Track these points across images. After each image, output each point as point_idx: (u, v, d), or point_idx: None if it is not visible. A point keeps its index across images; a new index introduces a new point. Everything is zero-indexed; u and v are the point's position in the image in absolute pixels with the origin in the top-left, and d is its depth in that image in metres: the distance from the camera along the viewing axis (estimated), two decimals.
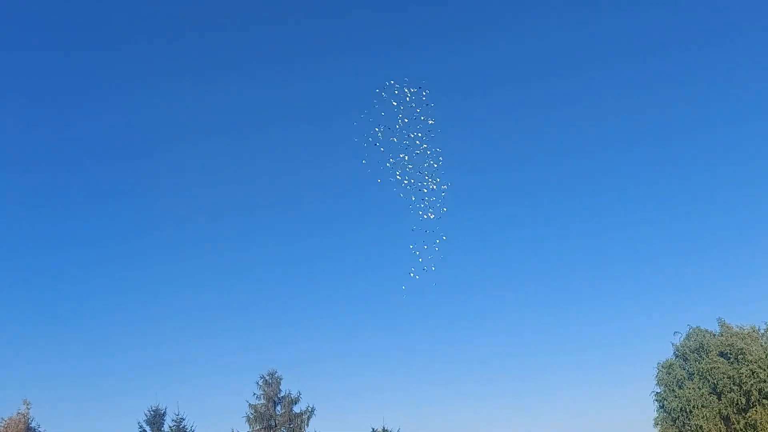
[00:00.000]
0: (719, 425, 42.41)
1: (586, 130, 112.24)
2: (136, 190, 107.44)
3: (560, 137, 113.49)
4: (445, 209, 17.04)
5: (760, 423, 40.58)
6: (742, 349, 43.05)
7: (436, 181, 16.80)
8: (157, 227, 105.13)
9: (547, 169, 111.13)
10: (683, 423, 43.72)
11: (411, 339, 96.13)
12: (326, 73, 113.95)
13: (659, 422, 45.85)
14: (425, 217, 16.97)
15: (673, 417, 44.40)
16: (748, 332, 45.07)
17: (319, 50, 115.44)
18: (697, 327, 46.84)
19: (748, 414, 41.58)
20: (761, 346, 43.63)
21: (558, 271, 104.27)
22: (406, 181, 16.80)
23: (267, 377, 45.80)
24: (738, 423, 42.00)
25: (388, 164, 16.71)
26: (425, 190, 16.93)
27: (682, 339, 47.19)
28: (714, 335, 45.82)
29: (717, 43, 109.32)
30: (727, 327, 45.94)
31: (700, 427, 42.36)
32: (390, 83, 16.67)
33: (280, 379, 45.91)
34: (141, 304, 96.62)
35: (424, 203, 16.93)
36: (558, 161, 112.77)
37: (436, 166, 16.78)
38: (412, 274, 17.67)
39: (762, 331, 45.40)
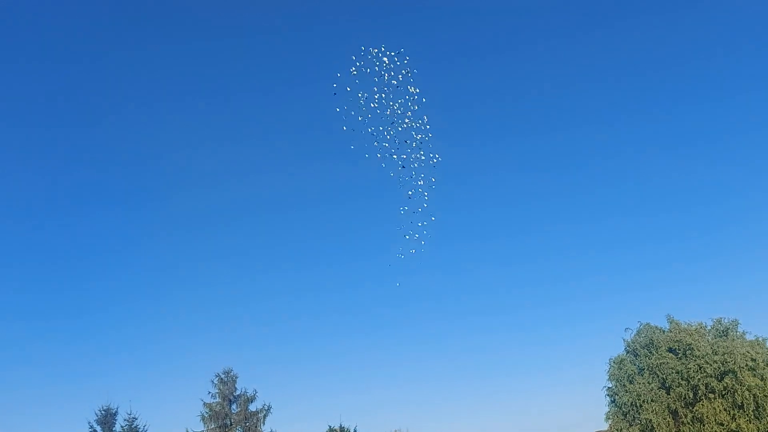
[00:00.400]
0: (668, 419, 43.48)
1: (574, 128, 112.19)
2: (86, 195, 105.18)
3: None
4: (434, 179, 15.94)
5: (707, 416, 41.72)
6: (690, 344, 44.11)
7: (424, 155, 15.68)
8: (111, 228, 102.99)
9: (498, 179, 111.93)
10: (633, 417, 44.68)
11: (367, 337, 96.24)
12: (297, 43, 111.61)
13: (610, 416, 46.69)
14: (423, 195, 15.88)
15: (623, 411, 45.31)
16: (696, 328, 46.23)
17: (289, 18, 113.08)
18: (647, 323, 47.85)
19: (695, 408, 42.70)
20: (708, 342, 44.80)
21: (515, 268, 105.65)
22: (395, 157, 15.62)
23: (222, 375, 45.38)
24: (686, 417, 43.09)
25: (375, 143, 15.48)
26: (415, 165, 15.71)
27: (633, 335, 48.08)
28: (663, 331, 46.86)
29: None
30: (676, 323, 47.02)
31: (650, 420, 43.34)
32: (366, 48, 15.29)
33: (236, 377, 45.58)
34: (91, 301, 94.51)
35: (413, 178, 15.80)
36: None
37: (420, 137, 15.63)
38: (401, 256, 16.56)
39: (709, 328, 46.61)
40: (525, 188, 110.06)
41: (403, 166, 15.73)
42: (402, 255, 16.66)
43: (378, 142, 15.49)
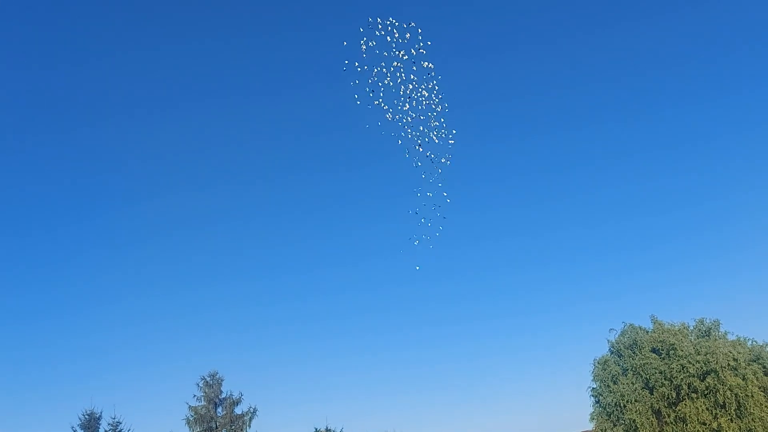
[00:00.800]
0: (651, 419, 43.80)
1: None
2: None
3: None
4: (450, 156, 15.16)
5: (689, 416, 42.06)
6: (673, 345, 44.45)
7: (442, 133, 14.83)
8: (96, 230, 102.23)
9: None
10: (617, 417, 44.96)
11: (354, 339, 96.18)
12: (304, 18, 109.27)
13: (595, 417, 46.94)
14: (438, 171, 15.03)
15: (608, 411, 45.58)
16: (679, 329, 46.60)
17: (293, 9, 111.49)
18: (630, 324, 48.14)
19: (678, 407, 43.05)
20: (691, 342, 45.18)
21: (500, 271, 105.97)
22: (409, 131, 14.76)
23: (208, 378, 45.22)
24: (669, 416, 43.44)
25: (388, 116, 14.68)
26: (433, 135, 14.85)
27: (617, 336, 48.38)
28: (647, 332, 47.15)
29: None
30: (659, 324, 47.35)
31: (633, 420, 43.63)
32: (374, 20, 14.26)
33: (222, 380, 45.43)
34: (74, 303, 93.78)
35: (428, 156, 14.93)
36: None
37: (439, 109, 14.77)
38: (416, 242, 15.84)
39: (691, 328, 47.04)
40: (510, 192, 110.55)
41: (420, 145, 14.97)
42: (416, 240, 16.02)
43: (391, 115, 14.75)
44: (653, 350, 45.33)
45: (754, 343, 46.07)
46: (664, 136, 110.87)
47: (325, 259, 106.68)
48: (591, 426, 47.95)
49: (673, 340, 44.76)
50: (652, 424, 43.65)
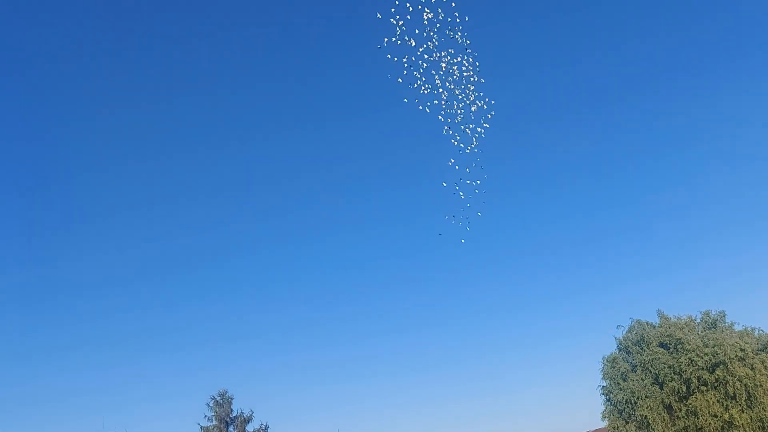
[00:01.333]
0: (662, 414, 43.83)
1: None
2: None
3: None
4: (486, 125, 14.90)
5: (700, 409, 42.11)
6: (680, 339, 44.52)
7: (478, 103, 14.64)
8: (98, 245, 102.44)
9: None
10: (629, 414, 45.03)
11: (362, 348, 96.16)
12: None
13: (606, 415, 47.00)
14: (473, 145, 14.79)
15: (619, 409, 45.65)
16: (686, 322, 46.71)
17: None
18: (637, 320, 48.19)
19: (688, 401, 43.09)
20: (698, 335, 45.29)
21: (504, 268, 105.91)
22: (444, 103, 14.47)
23: (218, 398, 45.36)
24: (680, 410, 43.48)
25: (423, 90, 14.51)
26: (471, 109, 14.68)
27: (624, 332, 48.43)
28: (654, 327, 47.21)
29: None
30: (666, 318, 47.44)
31: (645, 416, 43.69)
32: None
33: (232, 398, 45.57)
34: (84, 325, 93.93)
35: (464, 129, 14.74)
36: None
37: (474, 79, 14.50)
38: (448, 218, 15.55)
39: (698, 321, 47.16)
40: (516, 186, 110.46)
41: (460, 118, 14.80)
42: (453, 217, 15.67)
43: (429, 87, 14.56)
44: (661, 345, 45.38)
45: (761, 332, 46.10)
46: (667, 132, 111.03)
47: (333, 262, 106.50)
48: (603, 424, 47.97)
49: (680, 334, 44.82)
50: (664, 419, 43.67)
